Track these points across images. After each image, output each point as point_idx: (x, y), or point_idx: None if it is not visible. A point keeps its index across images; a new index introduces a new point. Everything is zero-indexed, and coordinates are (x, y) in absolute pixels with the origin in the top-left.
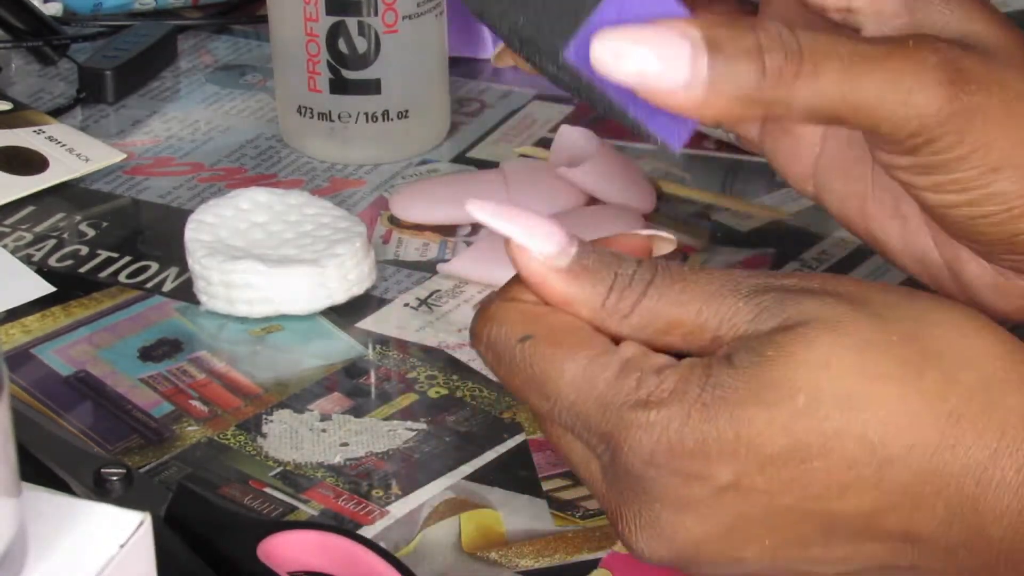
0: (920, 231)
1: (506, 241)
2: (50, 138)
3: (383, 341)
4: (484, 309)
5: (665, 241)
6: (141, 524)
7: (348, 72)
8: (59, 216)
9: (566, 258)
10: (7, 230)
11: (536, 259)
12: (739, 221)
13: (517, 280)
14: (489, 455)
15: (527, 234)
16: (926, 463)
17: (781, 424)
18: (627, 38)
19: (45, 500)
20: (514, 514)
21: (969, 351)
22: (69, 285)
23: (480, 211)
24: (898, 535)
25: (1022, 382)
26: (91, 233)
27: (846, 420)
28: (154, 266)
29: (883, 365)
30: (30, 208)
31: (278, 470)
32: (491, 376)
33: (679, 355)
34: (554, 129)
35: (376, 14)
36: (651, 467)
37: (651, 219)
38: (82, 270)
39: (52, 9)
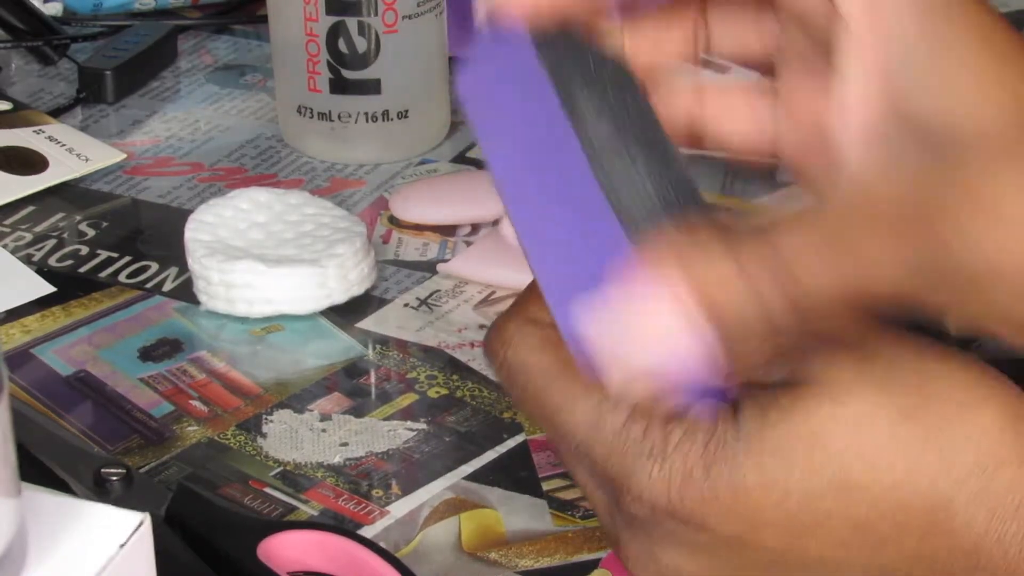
0: None
1: None
2: (50, 138)
3: (383, 341)
4: (501, 329)
5: None
6: (141, 524)
7: (348, 72)
8: (59, 216)
9: None
10: (7, 230)
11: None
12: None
13: (534, 294)
14: (489, 455)
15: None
16: (915, 545)
17: (776, 497)
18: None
19: (45, 500)
20: (514, 514)
21: (970, 427)
22: (69, 285)
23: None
24: None
25: (1017, 462)
26: (91, 233)
27: (839, 503)
28: (154, 266)
29: (880, 445)
30: (30, 208)
31: (278, 470)
32: (492, 377)
33: None
34: None
35: (376, 14)
36: (653, 519)
37: None
38: (82, 270)
39: (52, 9)
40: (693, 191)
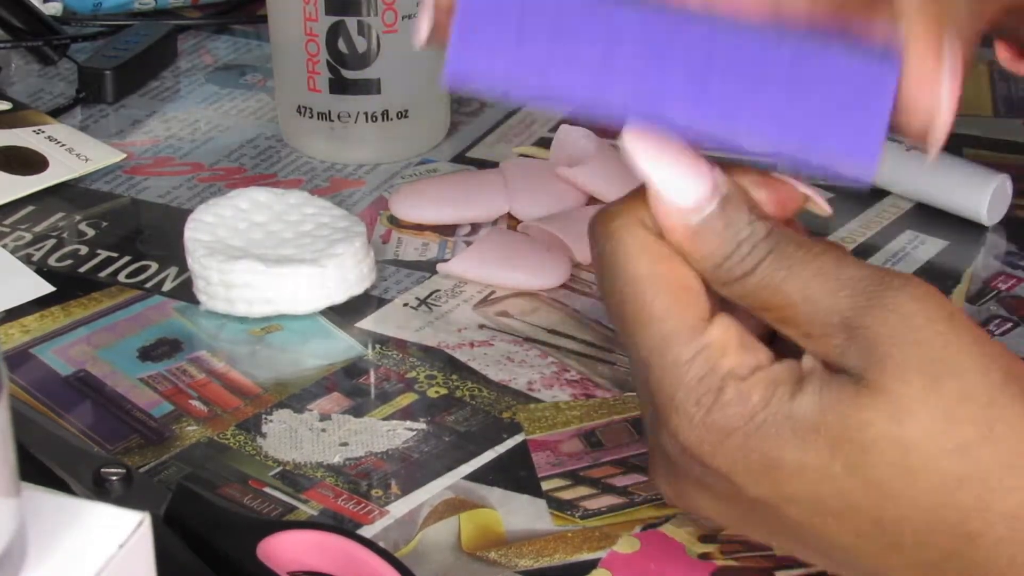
0: None
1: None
2: (50, 138)
3: (383, 341)
4: (608, 220)
5: (817, 206)
6: (140, 524)
7: (348, 72)
8: (59, 216)
9: (698, 216)
10: (7, 230)
11: (668, 207)
12: None
13: (645, 198)
14: (488, 455)
15: (667, 182)
16: (934, 559)
17: (809, 480)
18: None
19: (45, 500)
20: (514, 514)
21: (1019, 478)
22: (69, 285)
23: (631, 144)
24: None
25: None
26: (91, 233)
27: (870, 502)
28: (154, 266)
29: (924, 471)
30: (30, 208)
31: (278, 470)
32: (491, 377)
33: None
34: (554, 129)
35: (376, 14)
36: (680, 457)
37: None
38: (82, 270)
39: (52, 9)
40: None
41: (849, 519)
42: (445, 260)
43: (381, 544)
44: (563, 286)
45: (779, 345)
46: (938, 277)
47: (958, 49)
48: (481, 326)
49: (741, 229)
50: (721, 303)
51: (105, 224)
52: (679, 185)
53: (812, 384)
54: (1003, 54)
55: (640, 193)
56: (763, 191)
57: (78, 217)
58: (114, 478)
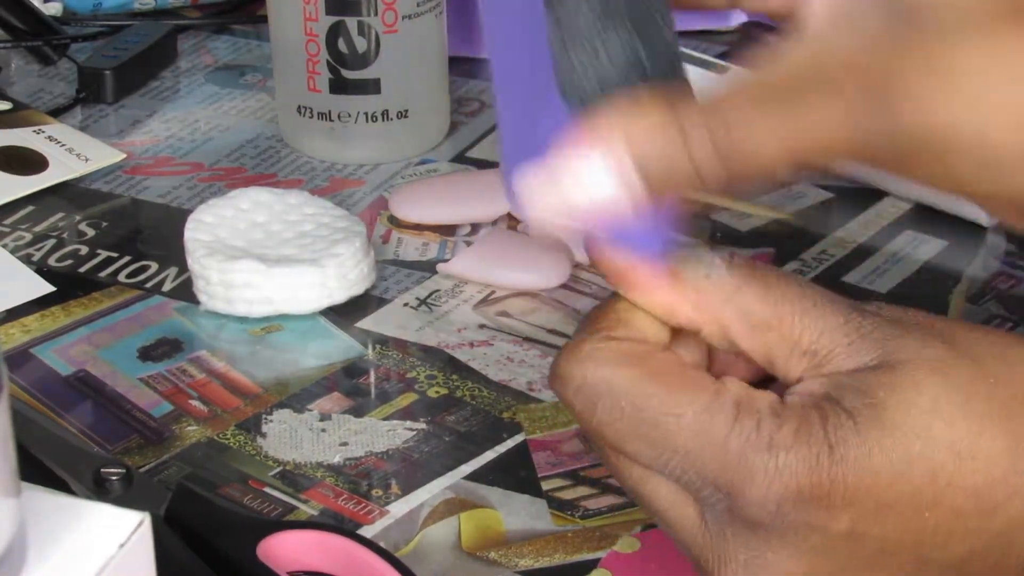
0: None
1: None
2: (50, 138)
3: (383, 341)
4: (575, 349)
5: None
6: (141, 524)
7: (348, 72)
8: (59, 216)
9: (671, 259)
10: (7, 230)
11: (636, 263)
12: (739, 221)
13: (605, 312)
14: (489, 455)
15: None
16: (1020, 511)
17: (900, 471)
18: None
19: (45, 500)
20: (514, 514)
21: None
22: (69, 285)
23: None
24: None
25: None
26: (91, 233)
27: (958, 470)
28: (154, 266)
29: (987, 410)
30: (30, 208)
31: (278, 470)
32: (491, 377)
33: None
34: None
35: (376, 14)
36: (778, 516)
37: None
38: (82, 270)
39: (52, 9)
40: (671, 63)
41: (946, 501)
42: (445, 260)
43: (381, 544)
44: (563, 286)
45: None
46: (938, 277)
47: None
48: (481, 326)
49: (706, 251)
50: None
51: (105, 224)
52: (645, 234)
53: (842, 388)
54: None
55: (590, 320)
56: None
57: (78, 217)
58: (114, 478)
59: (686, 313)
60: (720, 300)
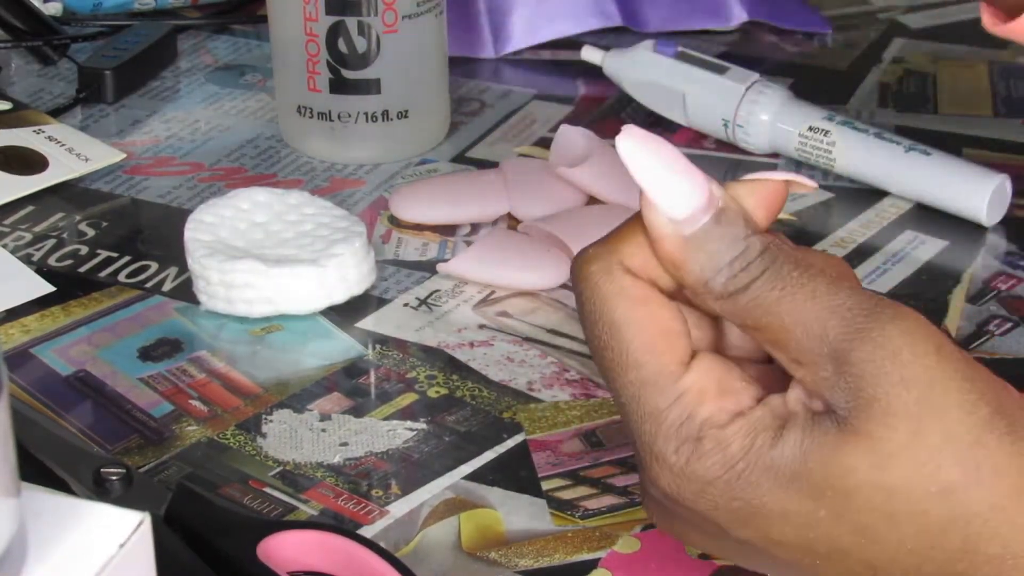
0: None
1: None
2: (50, 138)
3: (383, 341)
4: (586, 263)
5: (801, 186)
6: (141, 524)
7: (348, 72)
8: (59, 216)
9: (692, 227)
10: (7, 230)
11: (662, 216)
12: None
13: (626, 234)
14: (489, 455)
15: (662, 192)
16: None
17: (796, 522)
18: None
19: (45, 500)
20: (514, 514)
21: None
22: (69, 285)
23: (626, 149)
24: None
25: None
26: (91, 233)
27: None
28: (154, 266)
29: (915, 499)
30: (30, 208)
31: (278, 470)
32: (491, 377)
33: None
34: (554, 129)
35: (376, 14)
36: (664, 499)
37: None
38: (82, 270)
39: (52, 9)
40: None
41: (839, 561)
42: (445, 260)
43: (381, 544)
44: (563, 286)
45: (775, 368)
46: (938, 277)
47: None
48: (481, 326)
49: (735, 244)
50: (718, 327)
51: (105, 224)
52: (674, 195)
53: (794, 431)
54: (986, 19)
55: (618, 234)
56: (752, 198)
57: (78, 217)
58: (114, 478)
59: (689, 285)
60: (712, 298)
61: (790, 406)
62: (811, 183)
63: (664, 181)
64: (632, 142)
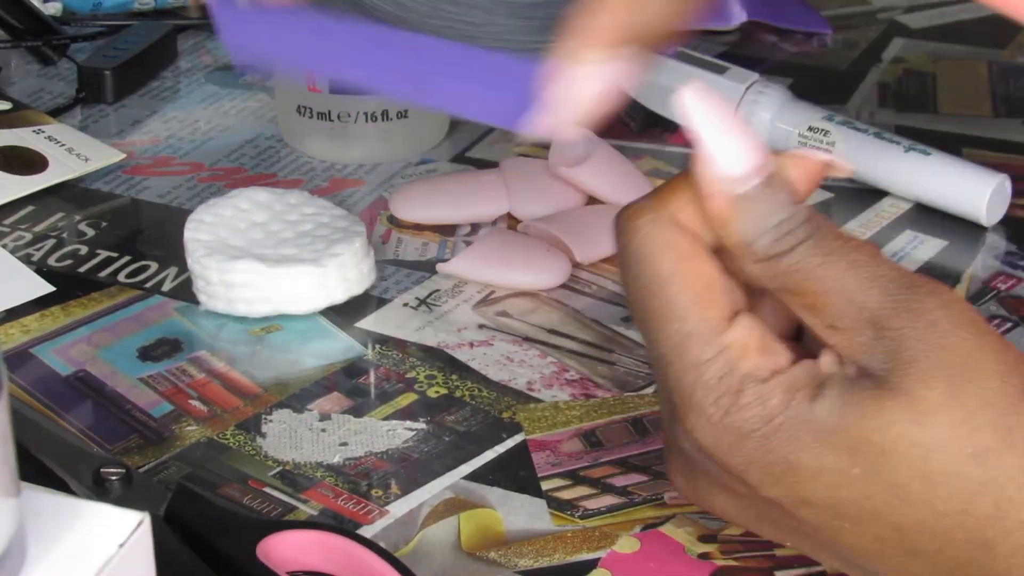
0: None
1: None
2: (50, 138)
3: (382, 341)
4: (635, 215)
5: (839, 168)
6: (140, 524)
7: None
8: (59, 216)
9: (743, 186)
10: (7, 230)
11: (715, 172)
12: None
13: (676, 191)
14: (488, 455)
15: (721, 147)
16: (949, 568)
17: (828, 483)
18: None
19: (44, 500)
20: (513, 514)
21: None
22: (69, 285)
23: (691, 103)
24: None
25: None
26: (91, 233)
27: (889, 508)
28: (153, 266)
29: (944, 475)
30: (30, 208)
31: (277, 470)
32: (491, 377)
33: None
34: None
35: None
36: (696, 455)
37: None
38: (82, 270)
39: (52, 9)
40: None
41: (868, 524)
42: (445, 260)
43: (381, 544)
44: (563, 286)
45: (803, 345)
46: (938, 277)
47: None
48: (481, 326)
49: (783, 208)
50: (748, 301)
51: (105, 224)
52: (731, 153)
53: (833, 388)
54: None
55: (669, 188)
56: (796, 171)
57: (78, 217)
58: (114, 478)
59: (733, 245)
60: (755, 259)
61: (825, 369)
62: (848, 166)
63: (723, 138)
64: (696, 96)
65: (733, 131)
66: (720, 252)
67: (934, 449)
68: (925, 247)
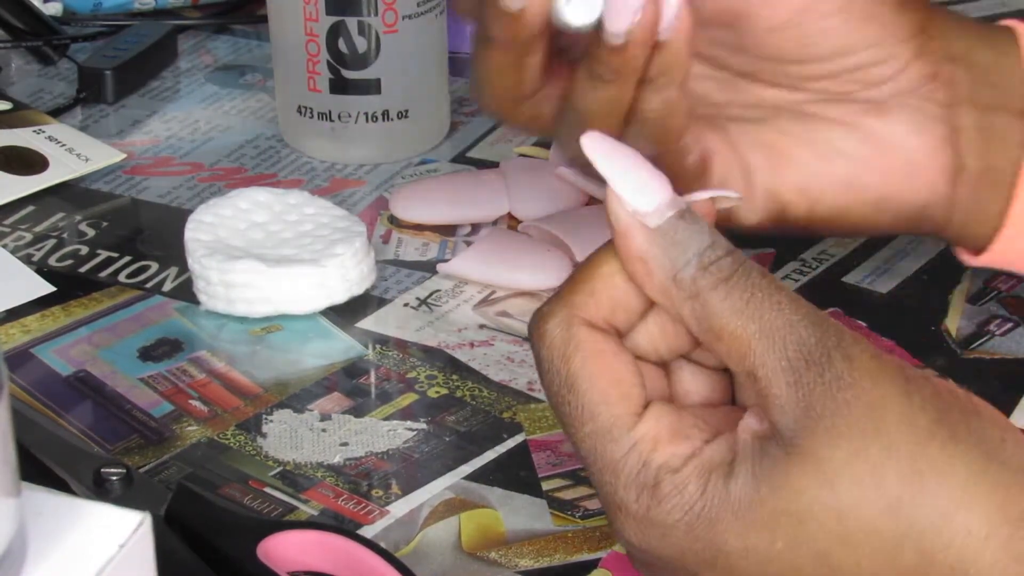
0: None
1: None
2: (50, 138)
3: (383, 341)
4: (542, 321)
5: (726, 199)
6: (141, 524)
7: (348, 72)
8: (59, 216)
9: (658, 219)
10: (7, 230)
11: (628, 210)
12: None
13: (584, 278)
14: (489, 455)
15: (628, 184)
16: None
17: (755, 561)
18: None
19: (45, 500)
20: (514, 514)
21: (951, 534)
22: (69, 285)
23: (592, 149)
24: None
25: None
26: (91, 233)
27: (817, 574)
28: (154, 266)
29: (861, 534)
30: (30, 208)
31: (278, 470)
32: (491, 377)
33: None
34: None
35: (376, 14)
36: (632, 549)
37: None
38: (82, 270)
39: (52, 9)
40: None
41: None
42: (445, 260)
43: (381, 544)
44: None
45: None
46: (938, 277)
47: None
48: (481, 326)
49: (703, 235)
50: (661, 385)
51: (105, 224)
52: (639, 187)
53: (744, 463)
54: (962, 257)
55: (568, 286)
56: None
57: (78, 217)
58: (114, 478)
59: (657, 283)
60: (683, 296)
61: (740, 436)
62: (734, 194)
63: (630, 174)
64: (595, 141)
65: (639, 169)
66: (648, 314)
67: (847, 511)
68: (925, 247)
